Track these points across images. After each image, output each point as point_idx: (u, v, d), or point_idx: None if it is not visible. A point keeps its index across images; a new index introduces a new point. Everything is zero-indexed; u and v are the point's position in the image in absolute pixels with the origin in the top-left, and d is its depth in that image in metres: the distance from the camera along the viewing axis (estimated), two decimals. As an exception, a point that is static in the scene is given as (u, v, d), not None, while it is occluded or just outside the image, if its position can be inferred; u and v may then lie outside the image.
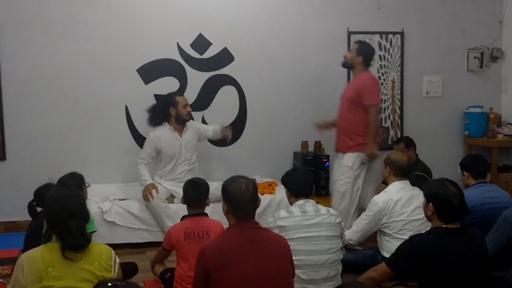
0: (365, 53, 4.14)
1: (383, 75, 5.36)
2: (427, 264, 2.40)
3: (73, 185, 2.98)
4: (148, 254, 3.95)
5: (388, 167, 3.52)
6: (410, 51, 5.40)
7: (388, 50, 5.34)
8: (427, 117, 5.52)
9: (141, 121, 4.80)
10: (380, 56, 5.32)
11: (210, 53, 4.98)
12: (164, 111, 4.35)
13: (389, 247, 3.27)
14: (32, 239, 2.79)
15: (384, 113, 5.40)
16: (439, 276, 2.38)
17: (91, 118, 4.77)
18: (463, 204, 2.51)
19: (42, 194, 3.09)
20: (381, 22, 5.30)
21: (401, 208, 3.34)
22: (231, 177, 2.40)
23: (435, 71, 5.52)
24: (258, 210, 2.40)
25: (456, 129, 5.60)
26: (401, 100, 5.43)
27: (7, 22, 4.55)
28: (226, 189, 2.34)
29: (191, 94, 4.86)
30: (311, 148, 5.13)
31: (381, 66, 5.34)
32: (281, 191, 4.11)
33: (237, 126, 5.12)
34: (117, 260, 2.26)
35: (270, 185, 4.67)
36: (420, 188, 2.96)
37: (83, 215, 2.23)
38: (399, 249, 2.56)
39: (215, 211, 3.91)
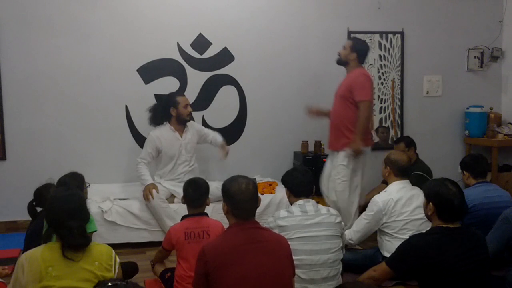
0: (359, 49, 4.14)
1: (383, 74, 5.36)
2: (427, 264, 2.40)
3: (73, 185, 2.97)
4: (148, 254, 3.96)
5: (388, 167, 3.52)
6: (410, 50, 5.40)
7: (388, 49, 5.35)
8: (427, 117, 5.52)
9: (141, 121, 4.80)
10: (380, 56, 5.33)
11: (210, 53, 4.98)
12: (164, 111, 4.36)
13: (389, 246, 3.28)
14: (32, 239, 2.79)
15: (384, 112, 5.40)
16: (439, 275, 2.38)
17: (91, 118, 4.77)
18: (463, 203, 2.51)
19: (42, 194, 3.09)
20: (381, 22, 5.30)
21: (401, 208, 3.34)
22: (231, 177, 2.40)
23: (435, 71, 5.52)
24: (258, 210, 2.40)
25: (456, 128, 5.61)
26: (401, 100, 5.43)
27: (7, 22, 4.55)
28: (226, 189, 2.34)
29: (191, 94, 4.86)
30: (311, 148, 5.13)
31: (381, 66, 5.34)
32: (281, 191, 4.12)
33: (237, 126, 5.12)
34: (117, 260, 2.26)
35: (270, 185, 4.67)
36: (420, 188, 2.96)
37: (83, 215, 2.23)
38: (399, 248, 2.56)
39: (215, 211, 3.92)
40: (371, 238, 3.62)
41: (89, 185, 3.35)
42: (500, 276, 2.94)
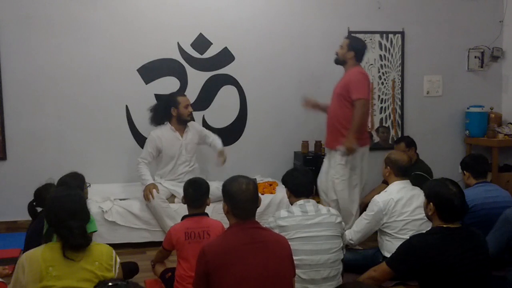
0: (356, 48, 4.13)
1: (383, 74, 5.36)
2: (427, 264, 2.40)
3: (74, 185, 2.97)
4: (149, 254, 3.95)
5: (388, 167, 3.52)
6: (411, 50, 5.40)
7: (389, 49, 5.34)
8: (428, 117, 5.52)
9: (141, 121, 4.81)
10: (380, 56, 5.32)
11: (210, 52, 4.98)
12: (165, 110, 4.36)
13: (389, 247, 3.28)
14: (33, 239, 2.79)
15: (385, 112, 5.40)
16: (440, 276, 2.38)
17: (92, 118, 4.77)
18: (463, 203, 2.51)
19: (42, 194, 3.10)
20: (382, 21, 5.30)
21: (401, 208, 3.34)
22: (231, 177, 2.40)
23: (436, 71, 5.51)
24: (258, 210, 2.40)
25: (457, 128, 5.60)
26: (402, 100, 5.43)
27: (8, 22, 4.55)
28: (227, 189, 2.34)
29: (192, 94, 4.86)
30: (311, 148, 5.13)
31: (381, 65, 5.34)
32: (281, 191, 4.12)
33: (238, 126, 5.12)
34: (118, 260, 2.26)
35: (270, 185, 4.67)
36: (421, 188, 2.96)
37: (84, 215, 2.23)
38: (400, 249, 2.56)
39: (215, 211, 3.92)
40: (372, 238, 3.62)
41: (90, 185, 3.36)
42: (501, 276, 2.94)
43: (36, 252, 2.13)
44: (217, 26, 4.95)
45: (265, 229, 2.42)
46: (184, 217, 3.09)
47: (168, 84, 4.89)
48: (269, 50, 5.08)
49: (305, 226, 2.80)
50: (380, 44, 5.31)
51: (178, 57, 4.92)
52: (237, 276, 2.15)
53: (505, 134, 5.32)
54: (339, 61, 4.21)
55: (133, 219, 4.20)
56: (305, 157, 4.94)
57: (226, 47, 5.00)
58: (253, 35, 5.04)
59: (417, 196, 3.34)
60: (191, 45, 4.93)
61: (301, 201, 2.92)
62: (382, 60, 5.34)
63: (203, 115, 5.01)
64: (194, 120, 4.52)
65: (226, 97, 5.05)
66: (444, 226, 2.49)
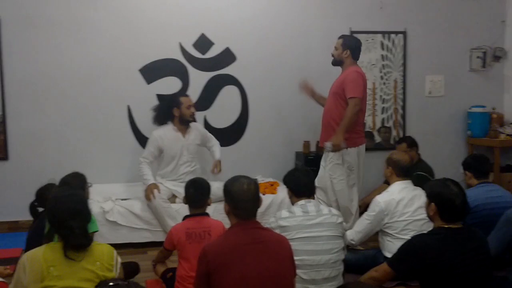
0: (351, 45, 4.14)
1: (385, 74, 5.35)
2: (429, 264, 2.39)
3: (75, 185, 2.99)
4: (150, 254, 3.96)
5: (390, 167, 3.51)
6: (413, 50, 5.39)
7: (391, 49, 5.33)
8: (430, 117, 5.51)
9: (143, 121, 4.81)
10: (382, 56, 5.32)
11: (212, 53, 4.98)
12: (168, 110, 4.37)
13: (391, 247, 3.27)
14: (34, 239, 2.80)
15: (387, 113, 5.39)
16: (441, 276, 2.38)
17: (93, 118, 4.78)
18: (465, 204, 2.51)
19: (43, 194, 3.10)
20: (383, 21, 5.29)
21: (403, 208, 3.33)
22: (232, 177, 2.40)
23: (438, 71, 5.50)
24: (259, 210, 2.40)
25: (459, 129, 5.59)
26: (404, 100, 5.42)
27: (9, 23, 4.56)
28: (228, 189, 2.34)
29: (193, 94, 4.86)
30: (313, 148, 5.13)
31: (383, 65, 5.33)
32: (282, 191, 4.12)
33: (239, 126, 5.13)
34: (119, 259, 2.27)
35: (272, 185, 4.67)
36: (422, 188, 2.95)
37: (85, 215, 2.24)
38: (401, 249, 2.56)
39: (216, 211, 3.92)
40: (373, 239, 3.61)
41: (91, 185, 3.35)
42: (502, 277, 2.93)
43: (37, 252, 2.14)
44: (219, 26, 4.96)
45: (266, 229, 2.42)
46: (185, 217, 3.09)
47: (170, 84, 4.89)
48: (271, 50, 5.08)
49: (306, 227, 2.80)
50: (382, 44, 5.30)
51: (180, 57, 4.92)
52: (238, 276, 2.15)
53: (507, 135, 5.31)
54: (336, 62, 4.22)
55: (134, 219, 4.20)
56: (306, 157, 4.94)
57: (227, 47, 5.00)
58: (254, 35, 5.04)
59: (419, 196, 3.33)
60: (193, 45, 4.94)
61: (302, 201, 2.92)
62: (384, 60, 5.33)
63: (205, 115, 5.01)
64: (196, 121, 4.52)
65: (228, 97, 5.05)
66: (446, 226, 2.48)
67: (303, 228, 2.79)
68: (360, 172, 4.19)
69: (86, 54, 4.71)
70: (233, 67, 5.03)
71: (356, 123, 4.08)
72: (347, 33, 5.15)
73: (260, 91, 5.10)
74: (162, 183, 4.30)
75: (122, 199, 4.33)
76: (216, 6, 4.93)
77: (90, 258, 2.14)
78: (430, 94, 5.52)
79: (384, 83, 5.35)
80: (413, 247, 2.49)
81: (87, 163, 4.60)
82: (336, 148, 4.01)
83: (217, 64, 5.00)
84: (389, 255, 3.17)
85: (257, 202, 2.34)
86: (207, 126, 4.96)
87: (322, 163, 4.25)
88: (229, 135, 5.09)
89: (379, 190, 4.18)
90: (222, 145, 4.93)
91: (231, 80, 5.05)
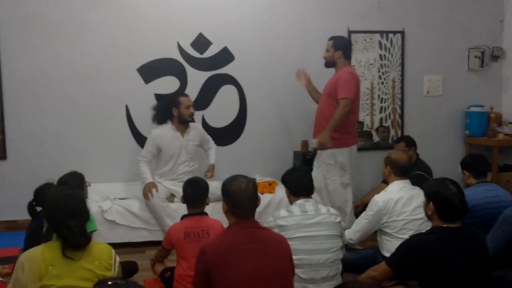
0: (342, 45, 4.18)
1: (383, 74, 5.36)
2: (427, 264, 2.40)
3: (74, 184, 2.98)
4: (148, 253, 3.96)
5: (388, 167, 3.52)
6: (411, 50, 5.40)
7: (389, 49, 5.34)
8: (428, 117, 5.51)
9: (141, 120, 4.81)
10: (380, 55, 5.32)
11: (210, 52, 4.98)
12: (167, 110, 4.37)
13: (389, 246, 3.27)
14: (33, 238, 2.80)
15: (385, 112, 5.40)
16: (440, 275, 2.38)
17: (92, 117, 4.77)
18: (463, 203, 2.51)
19: (42, 194, 3.10)
20: (382, 21, 5.29)
21: (401, 208, 3.34)
22: (231, 176, 2.40)
23: (436, 70, 5.51)
24: (258, 210, 2.40)
25: (457, 128, 5.60)
26: (402, 100, 5.42)
27: (8, 22, 4.55)
28: (226, 188, 2.34)
29: (192, 93, 4.84)
30: (311, 147, 5.13)
31: (381, 65, 5.34)
32: (281, 191, 4.11)
33: (237, 126, 5.12)
34: (117, 259, 2.26)
35: (270, 184, 4.67)
36: (421, 188, 2.95)
37: (84, 214, 2.23)
38: (400, 248, 2.56)
39: (215, 211, 3.92)
40: (371, 238, 3.62)
41: (89, 185, 3.35)
42: (500, 276, 2.94)
43: (35, 251, 2.13)
44: (217, 26, 4.95)
45: (265, 228, 2.43)
46: (183, 217, 3.09)
47: (168, 84, 4.89)
48: (269, 49, 5.08)
49: (304, 226, 2.80)
50: (380, 43, 5.30)
51: (178, 56, 4.92)
52: (236, 276, 2.15)
53: (505, 134, 5.32)
54: (329, 64, 4.26)
55: (133, 218, 4.20)
56: (304, 156, 4.94)
57: (226, 47, 5.00)
58: (253, 35, 5.04)
59: (417, 195, 3.33)
60: (191, 44, 4.93)
61: (300, 201, 2.92)
62: (382, 60, 5.33)
63: (203, 115, 5.01)
64: (194, 121, 4.52)
65: (226, 96, 5.05)
66: (444, 225, 2.48)
67: (301, 227, 2.80)
68: (351, 172, 4.19)
69: (84, 53, 4.71)
70: (231, 66, 5.03)
71: (348, 123, 4.10)
72: (345, 32, 5.17)
73: (258, 91, 5.10)
74: (161, 182, 4.30)
75: (121, 199, 4.33)
76: (214, 6, 4.93)
77: (88, 257, 2.14)
78: (428, 93, 5.52)
79: (382, 83, 5.36)
80: (411, 247, 2.49)
81: (85, 162, 4.59)
82: (321, 146, 4.04)
83: (215, 64, 5.00)
84: (387, 254, 3.17)
85: (255, 201, 2.34)
86: (205, 125, 4.95)
87: (315, 163, 4.27)
88: (227, 135, 5.09)
89: (377, 190, 4.18)
90: (220, 144, 4.95)
91: (229, 80, 5.05)
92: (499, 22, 5.58)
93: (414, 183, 3.54)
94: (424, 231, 2.64)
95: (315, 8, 5.15)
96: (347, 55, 4.22)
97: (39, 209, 3.16)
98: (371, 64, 5.31)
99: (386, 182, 3.79)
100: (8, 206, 4.58)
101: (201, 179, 3.18)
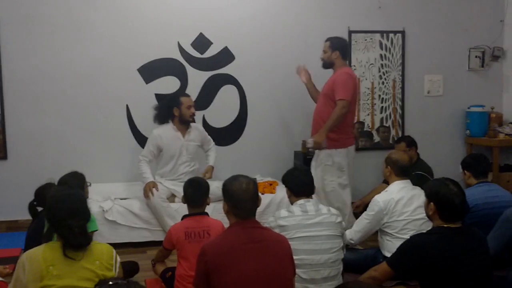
0: (339, 45, 4.20)
1: (384, 74, 5.35)
2: (428, 264, 2.39)
3: (74, 185, 2.98)
4: (149, 253, 3.96)
5: (389, 167, 3.51)
6: (411, 50, 5.39)
7: (389, 49, 5.34)
8: (428, 117, 5.51)
9: (142, 120, 4.81)
10: (381, 55, 5.32)
11: (210, 52, 4.98)
12: (168, 110, 4.37)
13: (390, 246, 3.27)
14: (33, 239, 2.80)
15: (385, 112, 5.40)
16: (440, 275, 2.38)
17: (92, 117, 4.78)
18: (464, 203, 2.51)
19: (42, 194, 3.10)
20: (382, 21, 5.29)
21: (402, 208, 3.33)
22: (231, 176, 2.40)
23: (436, 70, 5.51)
24: (258, 210, 2.40)
25: (457, 128, 5.60)
26: (402, 100, 5.42)
27: (8, 22, 4.55)
28: (227, 188, 2.34)
29: (192, 93, 4.84)
30: (312, 147, 5.13)
31: (382, 65, 5.34)
32: (281, 191, 4.12)
33: (238, 126, 5.12)
34: (118, 259, 2.26)
35: (270, 184, 4.67)
36: (421, 188, 2.95)
37: (84, 214, 2.23)
38: (400, 248, 2.56)
39: (215, 211, 3.92)
40: (372, 238, 3.62)
41: (90, 185, 3.35)
42: (501, 276, 2.94)
43: (36, 251, 2.13)
44: (217, 25, 4.95)
45: (265, 228, 2.43)
46: (184, 217, 3.09)
47: (168, 84, 4.89)
48: (269, 49, 5.08)
49: (305, 226, 2.80)
50: (380, 43, 5.30)
51: (179, 56, 4.92)
52: (237, 276, 2.15)
53: (505, 134, 5.32)
54: (326, 65, 4.27)
55: (134, 218, 4.20)
56: (305, 156, 4.92)
57: (226, 47, 5.00)
58: (253, 34, 5.04)
59: (418, 196, 3.33)
60: (192, 44, 4.93)
61: (301, 201, 2.92)
62: (382, 60, 5.33)
63: (203, 115, 5.01)
64: (194, 122, 4.51)
65: (226, 96, 5.05)
66: (445, 226, 2.48)
67: (302, 227, 2.80)
68: (349, 173, 4.19)
69: (85, 53, 4.71)
70: (231, 66, 5.03)
71: (345, 124, 4.11)
72: (346, 32, 5.17)
73: (258, 91, 5.10)
74: (161, 182, 4.30)
75: (121, 199, 4.33)
76: (214, 6, 4.93)
77: (89, 257, 2.14)
78: (429, 93, 5.52)
79: (383, 83, 5.36)
80: (412, 247, 2.49)
81: (86, 162, 4.59)
82: (316, 146, 4.04)
83: (216, 64, 5.00)
84: (388, 254, 3.17)
85: (256, 201, 2.34)
86: (206, 125, 4.95)
87: (312, 163, 4.28)
88: (227, 135, 5.09)
89: (378, 190, 4.18)
90: (221, 144, 4.95)
91: (230, 80, 5.05)
92: (500, 22, 5.58)
93: (415, 183, 3.54)
94: (425, 231, 2.63)
95: (315, 8, 5.15)
96: (344, 55, 4.24)
97: (40, 209, 3.16)
98: (372, 64, 5.30)
99: (386, 182, 3.78)
100: (9, 206, 4.58)
101: (202, 179, 3.18)
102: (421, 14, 5.40)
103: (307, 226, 2.80)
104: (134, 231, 4.21)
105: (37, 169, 4.56)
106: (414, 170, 4.26)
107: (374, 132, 5.38)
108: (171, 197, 4.31)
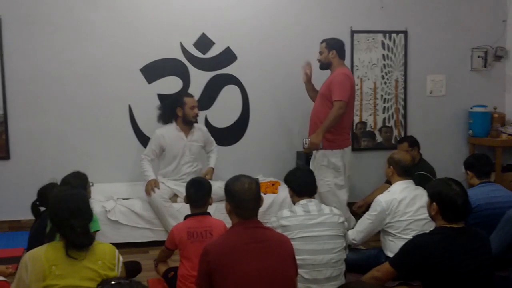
0: (335, 45, 4.20)
1: (386, 74, 5.35)
2: (430, 264, 2.39)
3: (77, 185, 2.99)
4: (152, 253, 3.96)
5: (391, 167, 3.51)
6: (414, 50, 5.39)
7: (392, 49, 5.33)
8: (431, 117, 5.50)
9: (144, 120, 4.82)
10: (383, 55, 5.31)
11: (213, 52, 4.98)
12: (171, 110, 4.37)
13: (392, 247, 3.27)
14: (36, 238, 2.80)
15: (388, 112, 5.39)
16: (443, 276, 2.37)
17: (95, 117, 4.78)
18: (467, 203, 2.50)
19: (45, 194, 3.10)
20: (384, 21, 5.28)
21: (404, 208, 3.33)
22: (234, 176, 2.40)
23: (439, 70, 5.50)
24: (261, 210, 2.40)
25: (460, 128, 5.59)
26: (405, 100, 5.41)
27: (11, 22, 4.56)
28: (229, 188, 2.34)
29: (194, 93, 4.84)
30: (314, 147, 5.12)
31: (384, 65, 5.33)
32: (284, 191, 4.13)
33: (240, 126, 5.13)
34: (121, 259, 2.27)
35: (273, 185, 4.67)
36: (424, 188, 2.95)
37: (87, 214, 2.24)
38: (403, 249, 2.56)
39: (218, 211, 3.92)
40: (374, 238, 3.61)
41: (93, 185, 3.36)
42: (504, 276, 2.93)
43: (39, 251, 2.14)
44: (219, 26, 4.96)
45: (268, 228, 2.43)
46: (186, 217, 3.09)
47: (171, 84, 4.90)
48: (271, 49, 5.08)
49: (307, 226, 2.80)
50: (383, 43, 5.30)
51: (181, 56, 4.92)
52: (239, 275, 2.15)
53: (508, 134, 5.31)
54: (324, 66, 4.27)
55: (136, 218, 4.21)
56: (307, 156, 4.92)
57: (228, 47, 5.00)
58: (255, 34, 5.04)
59: (420, 196, 3.33)
60: (194, 45, 4.94)
61: (303, 201, 2.92)
62: (385, 60, 5.32)
63: (206, 115, 5.01)
64: (197, 122, 4.52)
65: (229, 96, 5.06)
66: (447, 226, 2.48)
67: (304, 227, 2.80)
68: (346, 174, 4.20)
69: (87, 53, 4.72)
70: (233, 66, 5.03)
71: (342, 125, 4.11)
72: (348, 32, 5.17)
73: (261, 91, 5.10)
74: (164, 182, 4.31)
75: (124, 199, 4.33)
76: (216, 6, 4.93)
77: (92, 257, 2.14)
78: (431, 93, 5.51)
79: (385, 83, 5.35)
80: (415, 247, 2.48)
81: (88, 162, 4.60)
82: (313, 147, 4.04)
83: (218, 64, 5.00)
84: (390, 254, 3.17)
85: (258, 201, 2.34)
86: (208, 125, 4.95)
87: (311, 164, 4.27)
88: (230, 135, 5.09)
89: (380, 190, 4.18)
90: (223, 144, 4.96)
91: (232, 80, 5.05)
92: (502, 22, 5.56)
93: (417, 183, 3.54)
94: (427, 231, 2.63)
95: (317, 8, 5.15)
96: (342, 55, 4.23)
97: (42, 209, 3.16)
98: (374, 64, 5.30)
99: (389, 182, 3.78)
100: (12, 206, 4.59)
101: (204, 179, 3.18)
102: (424, 14, 5.39)
103: (310, 226, 2.80)
104: (136, 231, 4.21)
105: (39, 169, 4.57)
106: (416, 170, 4.25)
107: (376, 132, 5.37)
108: (173, 197, 4.32)
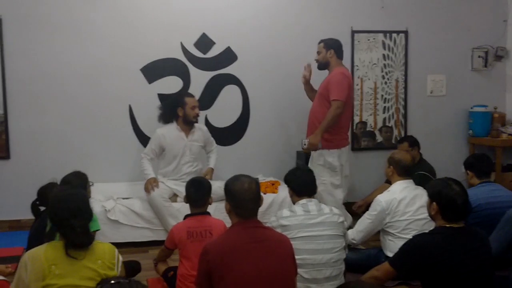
0: (333, 44, 4.21)
1: (387, 74, 5.35)
2: (430, 264, 2.39)
3: (77, 184, 2.99)
4: (151, 252, 3.96)
5: (391, 166, 3.51)
6: (414, 50, 5.38)
7: (392, 49, 5.33)
8: (431, 117, 5.50)
9: (144, 120, 4.82)
10: (384, 55, 5.31)
11: (213, 52, 4.99)
12: (172, 110, 4.38)
13: (392, 246, 3.27)
14: (36, 238, 2.80)
15: (388, 112, 5.39)
16: (443, 275, 2.37)
17: (95, 117, 4.79)
18: (467, 203, 2.50)
19: (45, 193, 3.10)
20: (385, 21, 5.28)
21: (404, 208, 3.33)
22: (234, 176, 2.40)
23: (439, 70, 5.50)
24: (260, 209, 2.40)
25: (460, 128, 5.58)
26: (405, 99, 5.41)
27: (11, 22, 4.56)
28: (229, 188, 2.34)
29: (195, 93, 4.85)
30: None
31: (385, 65, 5.33)
32: (284, 190, 4.13)
33: (240, 125, 5.13)
34: (120, 258, 2.27)
35: (273, 184, 4.67)
36: (424, 188, 2.95)
37: (87, 214, 2.24)
38: (403, 248, 2.56)
39: (218, 210, 3.92)
40: (374, 238, 3.61)
41: (93, 184, 3.36)
42: (504, 276, 2.93)
43: (39, 250, 2.14)
44: (220, 26, 4.96)
45: (267, 228, 2.43)
46: (186, 216, 3.09)
47: (171, 84, 4.90)
48: (272, 49, 5.08)
49: (307, 226, 2.80)
50: (383, 43, 5.29)
51: (181, 56, 4.92)
52: (239, 275, 2.15)
53: (508, 134, 5.30)
54: (322, 66, 4.28)
55: (136, 218, 4.21)
56: (307, 156, 4.92)
57: (229, 47, 5.00)
58: (255, 34, 5.04)
59: (420, 195, 3.33)
60: (194, 44, 4.94)
61: (303, 201, 2.92)
62: (385, 60, 5.32)
63: (206, 115, 5.01)
64: (197, 122, 4.52)
65: (229, 96, 5.06)
66: (447, 225, 2.48)
67: (304, 227, 2.79)
68: (343, 174, 4.20)
69: (87, 53, 4.72)
70: (234, 66, 5.03)
71: (340, 125, 4.11)
72: (348, 32, 5.17)
73: (261, 91, 5.10)
74: (164, 182, 4.31)
75: (124, 198, 4.33)
76: (217, 6, 4.93)
77: (91, 257, 2.15)
78: (431, 93, 5.51)
79: (386, 83, 5.35)
80: (414, 247, 2.48)
81: (88, 162, 4.60)
82: (311, 147, 4.05)
83: (218, 64, 5.00)
84: (390, 254, 3.17)
85: (258, 201, 2.34)
86: (208, 125, 4.96)
87: (309, 163, 4.27)
88: (230, 135, 5.09)
89: (380, 190, 4.18)
90: (223, 144, 4.96)
91: (232, 80, 5.05)
92: (503, 22, 5.56)
93: (418, 183, 3.54)
94: (427, 231, 2.63)
95: (318, 8, 5.15)
96: (340, 54, 4.23)
97: (42, 208, 3.16)
98: (375, 64, 5.30)
99: (389, 182, 3.77)
100: (11, 205, 4.60)
101: (204, 178, 3.19)
102: (424, 14, 5.39)
103: (309, 226, 2.80)
104: (136, 230, 4.21)
105: (39, 169, 4.57)
106: (416, 170, 4.25)
107: (376, 132, 5.37)
108: (173, 197, 4.32)
